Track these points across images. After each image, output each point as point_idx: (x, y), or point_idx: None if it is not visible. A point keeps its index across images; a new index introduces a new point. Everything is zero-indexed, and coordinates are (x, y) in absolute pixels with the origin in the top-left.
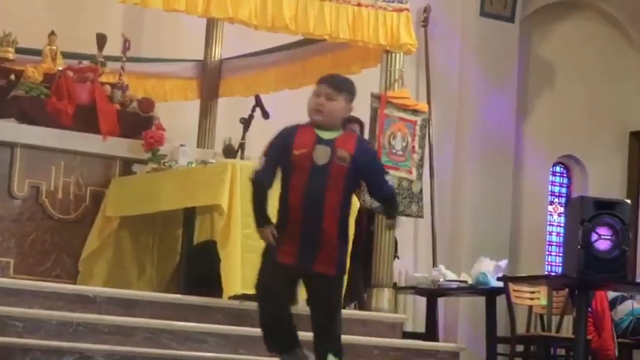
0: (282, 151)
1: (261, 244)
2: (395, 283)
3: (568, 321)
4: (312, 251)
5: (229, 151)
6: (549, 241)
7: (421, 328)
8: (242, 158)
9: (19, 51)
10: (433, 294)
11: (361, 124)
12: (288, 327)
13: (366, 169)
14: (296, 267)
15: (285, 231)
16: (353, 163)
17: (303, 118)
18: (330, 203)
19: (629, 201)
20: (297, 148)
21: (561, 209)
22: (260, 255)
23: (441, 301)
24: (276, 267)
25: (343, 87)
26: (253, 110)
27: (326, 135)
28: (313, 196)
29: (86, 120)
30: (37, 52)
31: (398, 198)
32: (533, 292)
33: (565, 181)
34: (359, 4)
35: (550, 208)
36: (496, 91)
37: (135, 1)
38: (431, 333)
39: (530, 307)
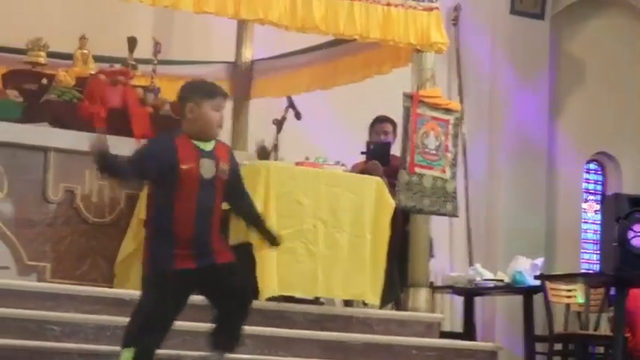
0: (164, 163)
1: (296, 245)
2: (431, 283)
3: (606, 319)
4: (207, 250)
5: (263, 153)
6: (584, 239)
7: (458, 328)
8: (276, 160)
9: (50, 55)
10: (470, 293)
11: (394, 124)
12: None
13: (234, 179)
14: (197, 269)
15: (175, 243)
16: (230, 175)
17: (334, 118)
18: (216, 213)
19: None
20: (183, 162)
21: (596, 206)
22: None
23: (478, 300)
24: (170, 281)
25: None
26: (286, 111)
27: (204, 146)
28: (204, 209)
29: (119, 123)
30: (69, 56)
31: (432, 197)
32: (570, 290)
33: (599, 178)
34: (388, 4)
35: (585, 205)
36: (528, 89)
37: (165, 3)
38: (468, 332)
39: (568, 305)
